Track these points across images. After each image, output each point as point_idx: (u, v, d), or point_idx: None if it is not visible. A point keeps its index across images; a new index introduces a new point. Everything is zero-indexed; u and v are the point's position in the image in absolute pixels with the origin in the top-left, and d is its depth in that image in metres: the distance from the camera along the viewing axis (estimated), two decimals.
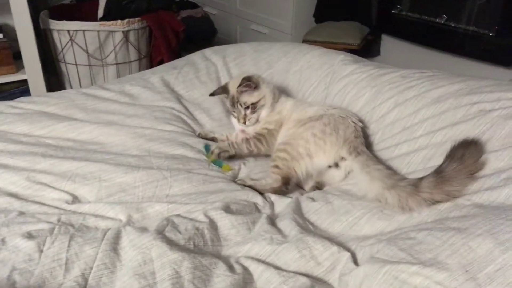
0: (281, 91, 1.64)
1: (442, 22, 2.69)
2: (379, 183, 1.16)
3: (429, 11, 2.75)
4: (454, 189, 1.06)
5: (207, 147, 1.46)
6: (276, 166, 1.34)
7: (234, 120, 1.58)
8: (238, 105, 1.49)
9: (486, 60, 2.57)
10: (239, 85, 1.47)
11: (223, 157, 1.42)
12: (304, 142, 1.34)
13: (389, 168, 1.25)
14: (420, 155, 1.25)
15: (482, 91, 1.26)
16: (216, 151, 1.41)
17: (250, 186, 1.32)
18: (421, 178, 1.11)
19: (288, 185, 1.33)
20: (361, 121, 1.44)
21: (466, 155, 1.09)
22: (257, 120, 1.51)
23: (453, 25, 2.65)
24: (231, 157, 1.45)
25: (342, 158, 1.33)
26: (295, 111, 1.50)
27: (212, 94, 1.66)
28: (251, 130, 1.52)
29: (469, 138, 1.15)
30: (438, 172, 1.09)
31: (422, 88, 1.38)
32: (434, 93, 1.35)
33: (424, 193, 1.07)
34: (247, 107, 1.49)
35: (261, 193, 1.30)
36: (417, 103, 1.36)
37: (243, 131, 1.55)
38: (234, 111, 1.53)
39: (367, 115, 1.48)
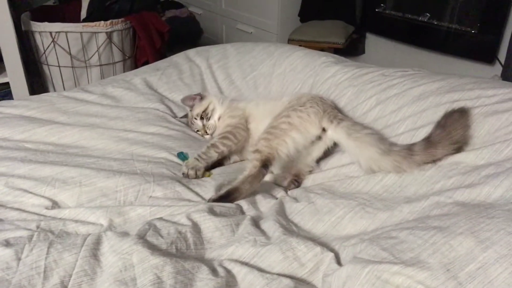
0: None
1: (425, 20, 2.72)
2: (373, 148, 1.19)
3: (412, 10, 2.78)
4: (439, 152, 1.14)
5: (181, 155, 1.42)
6: (257, 151, 1.28)
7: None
8: (193, 119, 1.58)
9: (469, 57, 2.60)
10: (183, 100, 1.64)
11: (200, 174, 1.33)
12: (285, 118, 1.32)
13: (377, 132, 1.28)
14: None
15: (462, 89, 1.27)
16: (191, 172, 1.32)
17: (227, 193, 1.22)
18: (413, 144, 1.18)
19: (267, 167, 1.26)
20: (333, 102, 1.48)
21: (448, 123, 1.16)
22: (215, 126, 1.56)
23: (436, 23, 2.68)
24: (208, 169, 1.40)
25: (323, 130, 1.32)
26: (261, 105, 1.52)
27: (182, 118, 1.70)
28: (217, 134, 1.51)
29: (455, 108, 1.20)
30: (426, 138, 1.18)
31: (404, 86, 1.39)
32: (416, 91, 1.36)
33: (416, 156, 1.15)
34: (201, 118, 1.56)
35: (242, 195, 1.23)
36: (398, 101, 1.37)
37: None
38: (195, 129, 1.60)
39: (349, 113, 1.48)
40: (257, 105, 1.54)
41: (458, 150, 1.15)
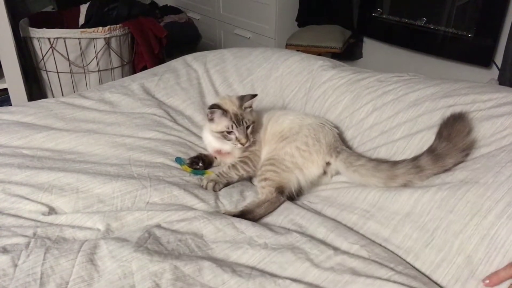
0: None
1: (422, 24, 2.74)
2: (374, 179, 1.19)
3: (409, 14, 2.80)
4: (449, 162, 1.13)
5: (179, 160, 1.42)
6: (266, 179, 1.29)
7: (209, 139, 1.46)
8: (244, 122, 1.36)
9: (465, 61, 2.61)
10: (250, 99, 1.38)
11: (219, 188, 1.33)
12: (289, 156, 1.32)
13: (370, 159, 1.26)
14: (398, 158, 1.25)
15: (457, 94, 1.27)
16: (210, 184, 1.33)
17: (241, 212, 1.21)
18: (417, 158, 1.15)
19: (284, 193, 1.28)
20: (336, 127, 1.44)
21: (452, 134, 1.14)
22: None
23: (432, 27, 2.69)
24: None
25: (328, 164, 1.33)
26: (269, 124, 1.47)
27: (211, 108, 1.38)
28: (237, 152, 1.43)
29: (456, 113, 1.18)
30: (431, 150, 1.14)
31: (400, 92, 1.39)
32: (411, 96, 1.36)
33: (427, 170, 1.13)
34: (248, 126, 1.38)
35: (255, 218, 1.21)
36: (394, 107, 1.37)
37: (219, 152, 1.47)
38: (236, 131, 1.36)
39: (346, 120, 1.48)
40: (264, 129, 1.47)
41: (467, 156, 1.14)
